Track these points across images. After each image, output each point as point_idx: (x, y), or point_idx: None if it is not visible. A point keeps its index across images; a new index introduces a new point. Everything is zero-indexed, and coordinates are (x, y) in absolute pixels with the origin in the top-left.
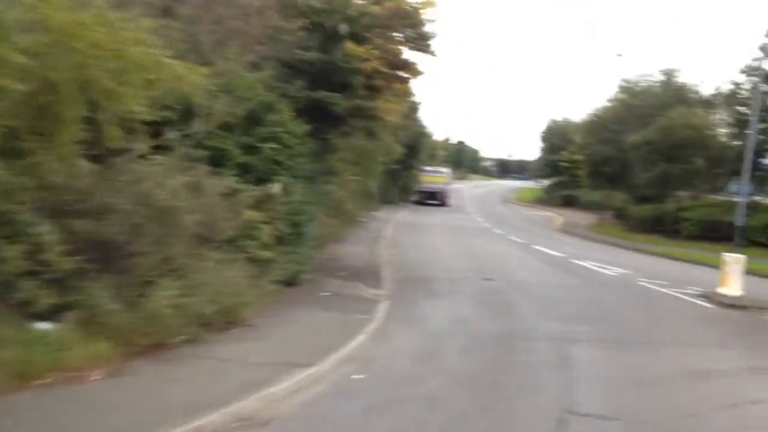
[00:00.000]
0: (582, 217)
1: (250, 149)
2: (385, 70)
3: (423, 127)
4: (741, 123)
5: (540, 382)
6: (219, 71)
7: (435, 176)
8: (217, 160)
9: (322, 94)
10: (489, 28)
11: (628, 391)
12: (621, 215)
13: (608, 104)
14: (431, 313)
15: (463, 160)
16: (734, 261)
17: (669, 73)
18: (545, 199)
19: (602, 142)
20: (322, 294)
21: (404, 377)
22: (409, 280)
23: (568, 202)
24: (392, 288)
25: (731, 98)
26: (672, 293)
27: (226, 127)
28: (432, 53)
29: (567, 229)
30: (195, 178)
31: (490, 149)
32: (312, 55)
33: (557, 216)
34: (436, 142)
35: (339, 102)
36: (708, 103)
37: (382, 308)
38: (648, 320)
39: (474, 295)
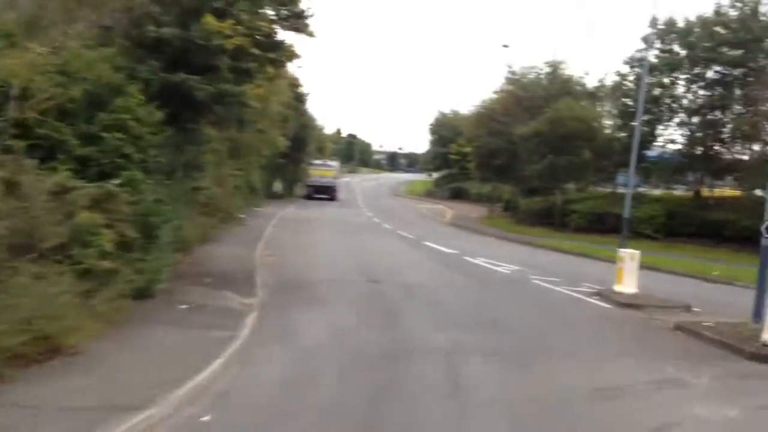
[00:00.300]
0: (472, 210)
1: (90, 139)
2: (254, 50)
3: (312, 119)
4: (626, 115)
5: (429, 414)
6: (57, 48)
7: (324, 170)
8: (50, 152)
9: (181, 77)
10: (380, 21)
11: (529, 420)
12: (510, 208)
13: (495, 96)
14: (307, 326)
15: (354, 154)
16: (629, 257)
17: (554, 65)
18: (435, 192)
19: (491, 134)
20: (179, 307)
21: (265, 417)
22: (286, 285)
23: (458, 195)
24: (265, 296)
25: (616, 90)
26: (567, 292)
27: (63, 114)
28: (310, 34)
29: (457, 223)
30: (9, 173)
31: (381, 142)
32: (167, 31)
33: (447, 209)
34: (325, 135)
35: (201, 86)
36: (593, 96)
37: (249, 321)
38: (545, 325)
39: (358, 300)
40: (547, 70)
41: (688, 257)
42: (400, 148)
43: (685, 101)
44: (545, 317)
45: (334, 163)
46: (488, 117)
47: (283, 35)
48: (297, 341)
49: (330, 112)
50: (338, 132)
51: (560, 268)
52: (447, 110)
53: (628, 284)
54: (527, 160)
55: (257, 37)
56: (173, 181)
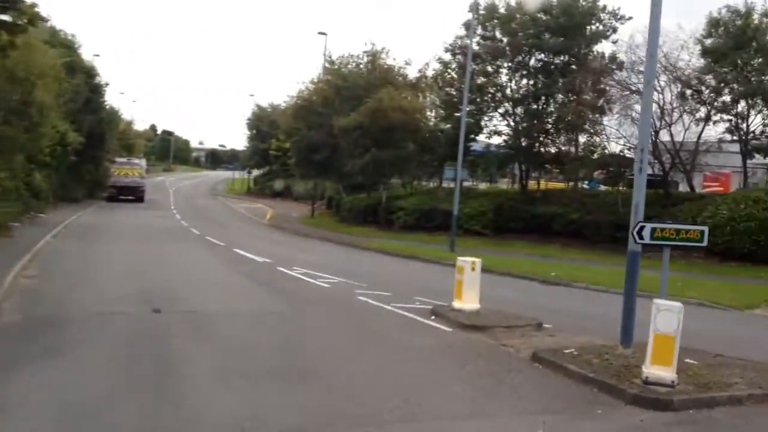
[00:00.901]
0: (294, 209)
1: None
2: None
3: (113, 113)
4: (450, 105)
5: None
6: None
7: (129, 168)
8: None
9: None
10: (195, 15)
11: None
12: (334, 206)
13: (313, 86)
14: (23, 405)
15: (171, 151)
16: (469, 267)
17: (374, 54)
18: (256, 191)
19: (310, 127)
20: None
21: None
22: (28, 327)
23: (280, 193)
24: None
25: (439, 78)
26: (400, 312)
27: None
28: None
29: (277, 224)
30: None
31: (203, 139)
32: None
33: (268, 209)
34: (136, 131)
35: None
36: (415, 86)
37: None
38: (373, 369)
39: (123, 346)
40: (367, 59)
41: (521, 255)
42: (221, 145)
43: (508, 91)
44: (373, 353)
45: (141, 161)
46: (307, 109)
47: None
48: None
49: (147, 109)
50: (153, 129)
51: (389, 276)
52: (265, 103)
53: (468, 299)
54: (349, 154)
55: None
56: None
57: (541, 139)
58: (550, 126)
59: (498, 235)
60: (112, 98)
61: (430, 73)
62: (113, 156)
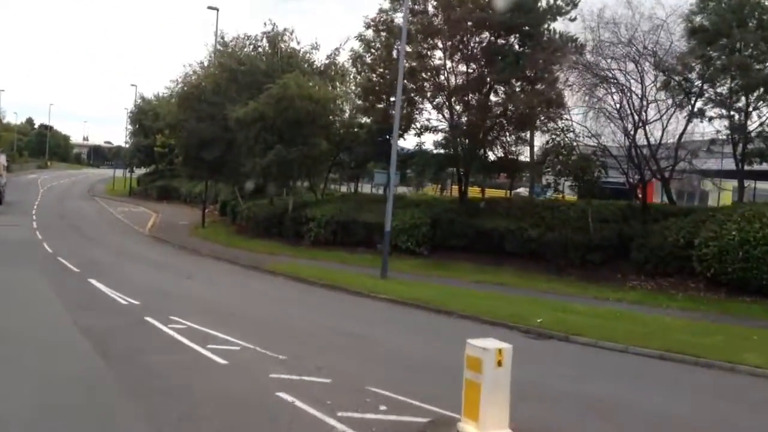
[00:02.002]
0: (182, 214)
1: None
2: None
3: None
4: (372, 93)
5: None
6: None
7: None
8: None
9: None
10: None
11: None
12: (229, 212)
13: (202, 71)
14: None
15: (47, 147)
16: (492, 361)
17: (275, 36)
18: (140, 192)
19: (200, 119)
20: None
21: None
22: None
23: (166, 195)
24: None
25: (358, 62)
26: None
27: None
28: None
29: (160, 235)
30: None
31: (87, 135)
32: None
33: (151, 214)
34: (5, 124)
35: None
36: (324, 74)
37: None
38: None
39: None
40: (266, 41)
41: (471, 284)
42: (107, 142)
43: (443, 77)
44: None
45: None
46: (195, 97)
47: None
48: None
49: (28, 103)
50: (30, 123)
51: (315, 330)
52: (149, 94)
53: (491, 420)
54: (248, 152)
55: None
56: None
57: (487, 137)
58: (494, 121)
59: (435, 254)
60: None
61: (343, 58)
62: None
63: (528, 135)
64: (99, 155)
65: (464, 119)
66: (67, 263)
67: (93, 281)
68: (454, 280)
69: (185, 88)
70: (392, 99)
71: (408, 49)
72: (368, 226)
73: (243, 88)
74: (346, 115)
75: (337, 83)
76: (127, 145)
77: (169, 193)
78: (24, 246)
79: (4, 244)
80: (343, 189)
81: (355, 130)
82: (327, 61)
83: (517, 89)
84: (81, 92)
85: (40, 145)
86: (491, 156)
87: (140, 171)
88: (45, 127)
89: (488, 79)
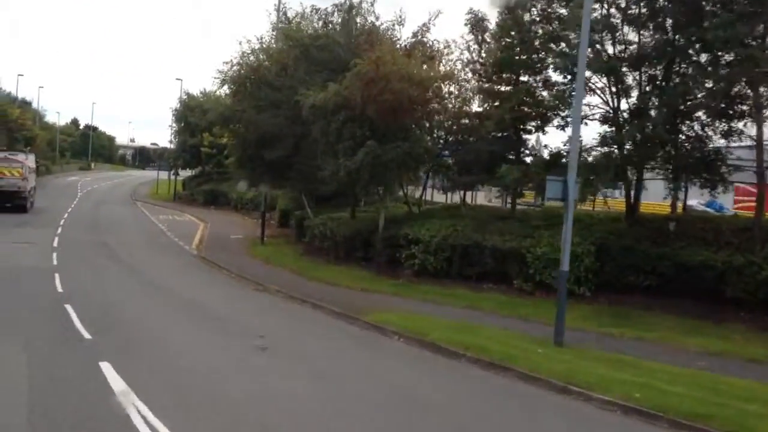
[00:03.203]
0: (234, 224)
1: None
2: None
3: None
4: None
5: None
6: None
7: (5, 166)
8: None
9: None
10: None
11: None
12: (293, 225)
13: (260, 48)
14: None
15: (90, 147)
16: None
17: (350, 8)
18: (185, 196)
19: (260, 109)
20: None
21: None
22: None
23: (214, 200)
24: None
25: (477, 28)
26: None
27: None
28: None
29: (212, 256)
30: None
31: (134, 136)
32: None
33: (198, 223)
34: (50, 124)
35: None
36: (411, 55)
37: None
38: None
39: None
40: (339, 15)
41: (715, 362)
42: (153, 143)
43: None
44: None
45: (23, 156)
46: (256, 82)
47: None
48: None
49: (72, 104)
50: (75, 124)
51: None
52: (196, 90)
53: None
54: (327, 150)
55: None
56: None
57: (679, 126)
58: (688, 106)
59: (601, 295)
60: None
61: (435, 36)
62: None
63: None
64: (144, 157)
65: (649, 101)
66: (77, 321)
67: (109, 372)
68: (662, 346)
69: (242, 71)
70: (527, 78)
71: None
72: (498, 253)
73: (317, 69)
74: (455, 104)
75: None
76: (172, 145)
77: (217, 198)
78: (27, 280)
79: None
80: (436, 198)
81: (466, 121)
82: (413, 40)
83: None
84: (127, 94)
85: (85, 146)
86: (693, 153)
87: (185, 173)
88: (90, 128)
89: (682, 42)
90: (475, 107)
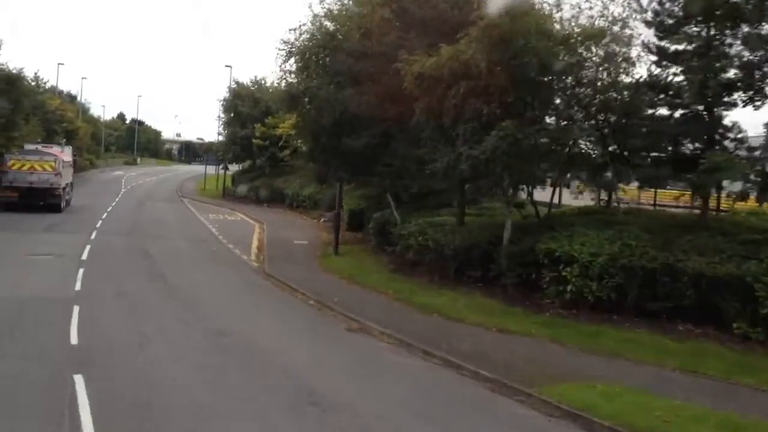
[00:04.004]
0: (293, 225)
1: None
2: None
3: (16, 76)
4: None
5: None
6: None
7: (36, 161)
8: None
9: None
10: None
11: None
12: (373, 231)
13: (338, 11)
14: None
15: (136, 141)
16: None
17: None
18: (235, 193)
19: (338, 86)
20: None
21: None
22: None
23: (270, 197)
24: None
25: None
26: None
27: None
28: None
29: (279, 272)
30: None
31: (180, 131)
32: None
33: (253, 224)
34: (94, 117)
35: None
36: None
37: None
38: None
39: None
40: None
41: None
42: (199, 138)
43: None
44: None
45: (58, 149)
46: (334, 51)
47: None
48: None
49: (122, 100)
50: (121, 118)
51: None
52: (245, 79)
53: None
54: (436, 135)
55: None
56: None
57: None
58: None
59: None
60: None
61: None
62: (26, 141)
63: None
64: (190, 151)
65: None
66: (89, 423)
67: None
68: None
69: (314, 39)
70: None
71: None
72: (705, 282)
73: (417, 33)
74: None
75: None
76: (221, 138)
77: (273, 196)
78: (30, 321)
79: None
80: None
81: (618, 96)
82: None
83: None
84: (173, 88)
85: (131, 141)
86: None
87: (234, 167)
88: (136, 122)
89: None
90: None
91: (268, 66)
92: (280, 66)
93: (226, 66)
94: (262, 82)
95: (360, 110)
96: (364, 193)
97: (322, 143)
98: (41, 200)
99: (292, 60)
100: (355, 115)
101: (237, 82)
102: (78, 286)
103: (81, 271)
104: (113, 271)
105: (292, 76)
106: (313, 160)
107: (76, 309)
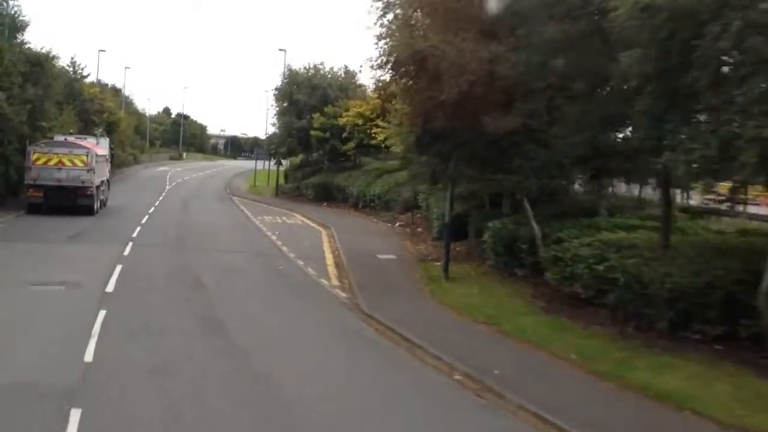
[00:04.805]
0: (365, 230)
1: None
2: None
3: (45, 57)
4: None
5: None
6: None
7: (65, 155)
8: None
9: None
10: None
11: None
12: (495, 249)
13: None
14: None
15: (181, 136)
16: None
17: None
18: (290, 191)
19: (480, 35)
20: None
21: None
22: None
23: (326, 196)
24: None
25: None
26: None
27: None
28: None
29: (380, 312)
30: None
31: (224, 127)
32: None
33: (319, 229)
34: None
35: None
36: None
37: None
38: None
39: None
40: None
41: None
42: (243, 133)
43: None
44: None
45: (92, 141)
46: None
47: None
48: None
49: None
50: (166, 112)
51: None
52: (299, 66)
53: None
54: (678, 102)
55: None
56: None
57: None
58: None
59: None
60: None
61: None
62: (58, 132)
63: None
64: (235, 146)
65: None
66: None
67: None
68: None
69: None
70: None
71: None
72: None
73: None
74: None
75: None
76: (274, 129)
77: (331, 193)
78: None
79: None
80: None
81: None
82: None
83: None
84: (219, 82)
85: (176, 135)
86: None
87: (287, 162)
88: (182, 117)
89: None
90: None
91: (322, 53)
92: (376, 23)
93: (280, 50)
94: (320, 66)
95: (522, 77)
96: (459, 192)
97: (438, 128)
98: (70, 201)
99: (391, 15)
100: (497, 86)
101: (290, 69)
102: (89, 355)
103: (101, 317)
104: (148, 315)
105: (396, 36)
106: (422, 152)
107: (74, 415)
